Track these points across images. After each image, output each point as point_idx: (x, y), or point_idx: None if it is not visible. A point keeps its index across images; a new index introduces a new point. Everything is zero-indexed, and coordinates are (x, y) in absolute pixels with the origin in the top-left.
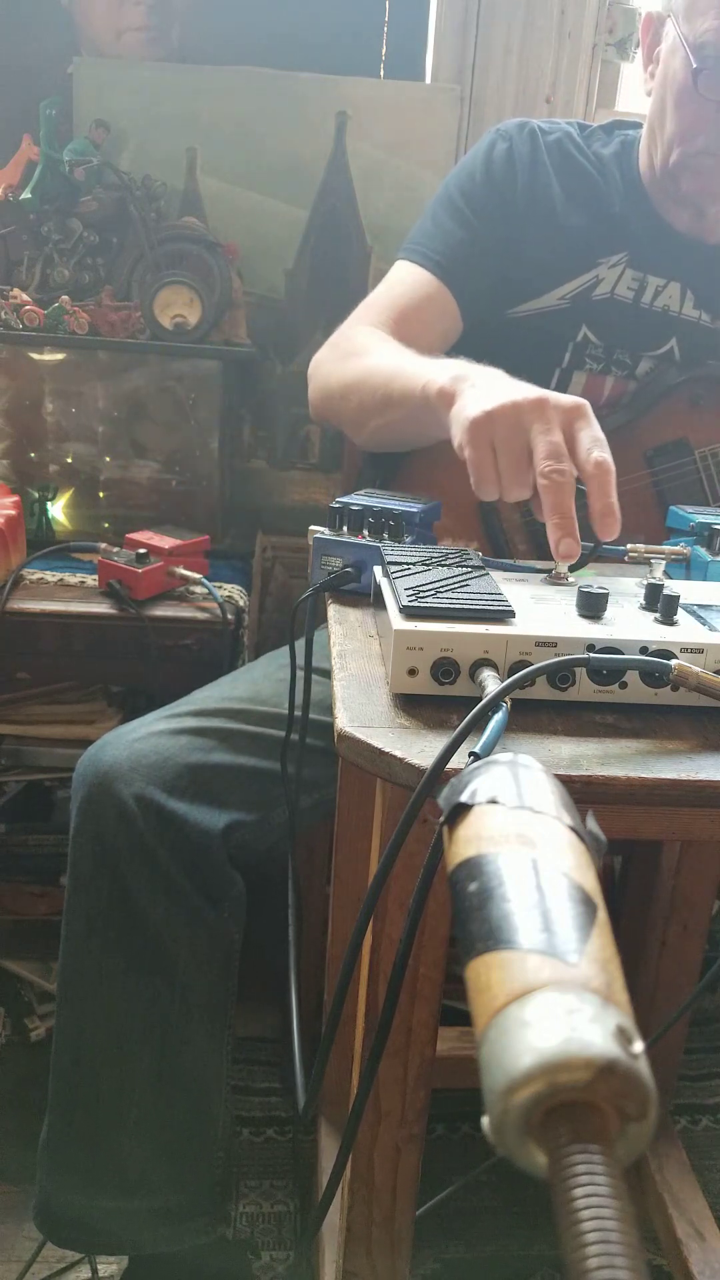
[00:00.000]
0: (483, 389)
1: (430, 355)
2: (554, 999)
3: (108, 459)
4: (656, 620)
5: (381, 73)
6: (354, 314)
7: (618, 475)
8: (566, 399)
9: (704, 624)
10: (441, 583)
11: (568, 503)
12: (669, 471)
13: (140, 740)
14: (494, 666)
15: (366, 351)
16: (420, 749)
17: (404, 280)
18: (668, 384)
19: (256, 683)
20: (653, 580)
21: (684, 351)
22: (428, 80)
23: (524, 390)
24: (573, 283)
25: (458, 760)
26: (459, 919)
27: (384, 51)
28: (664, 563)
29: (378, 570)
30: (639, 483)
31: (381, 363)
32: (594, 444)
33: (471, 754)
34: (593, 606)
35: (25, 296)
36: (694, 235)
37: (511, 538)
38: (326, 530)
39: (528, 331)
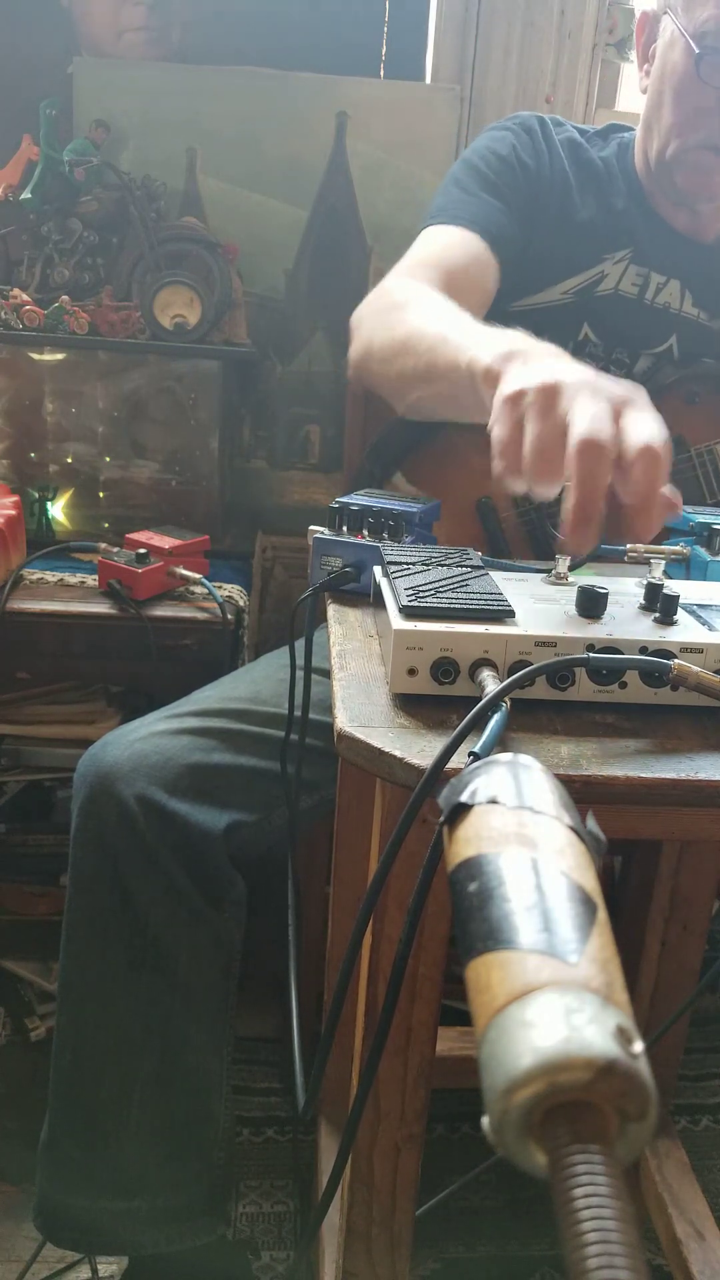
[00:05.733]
0: (532, 367)
1: (476, 315)
2: (554, 999)
3: (108, 459)
4: (656, 620)
5: (381, 73)
6: (397, 268)
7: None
8: (620, 383)
9: (704, 624)
10: (441, 582)
11: (599, 483)
12: None
13: (141, 740)
14: (493, 666)
15: (408, 307)
16: (420, 749)
17: (447, 240)
18: (664, 382)
19: (257, 682)
20: (652, 580)
21: (683, 349)
22: (428, 80)
23: (576, 369)
24: (578, 277)
25: (457, 760)
26: (459, 919)
27: (384, 51)
28: (664, 562)
29: (377, 570)
30: None
31: (427, 325)
32: (655, 424)
33: (471, 754)
34: (592, 606)
35: (25, 296)
36: (690, 233)
37: (510, 538)
38: (326, 530)
39: (529, 328)
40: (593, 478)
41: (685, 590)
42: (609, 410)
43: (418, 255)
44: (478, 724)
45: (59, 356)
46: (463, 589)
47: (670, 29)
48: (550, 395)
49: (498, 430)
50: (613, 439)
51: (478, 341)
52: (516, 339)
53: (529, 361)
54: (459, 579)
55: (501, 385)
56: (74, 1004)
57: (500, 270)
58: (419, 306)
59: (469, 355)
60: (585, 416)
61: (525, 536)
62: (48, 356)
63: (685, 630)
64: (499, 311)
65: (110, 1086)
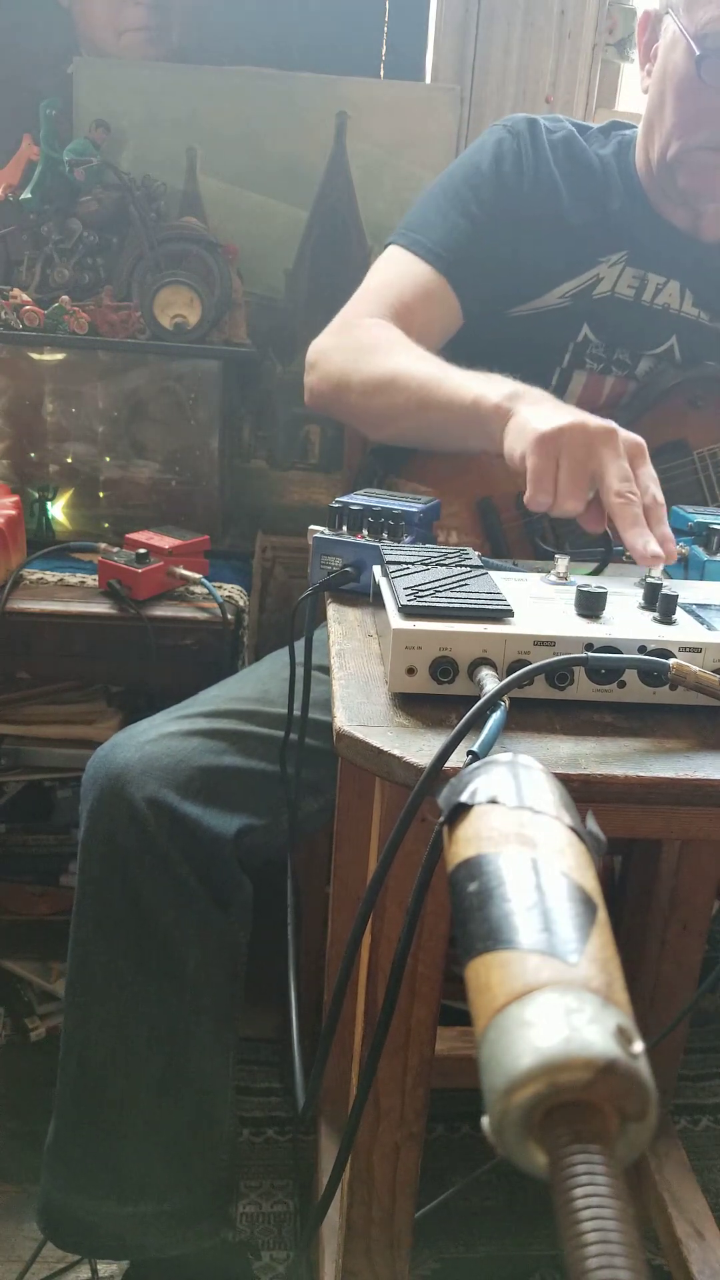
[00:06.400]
0: (542, 408)
1: (430, 351)
2: (554, 999)
3: (108, 459)
4: (655, 619)
5: (381, 73)
6: (353, 302)
7: None
8: (630, 435)
9: (702, 623)
10: (440, 582)
11: (641, 517)
12: (667, 472)
13: (152, 743)
14: (492, 665)
15: (388, 349)
16: (419, 748)
17: (405, 271)
18: (666, 384)
19: (264, 682)
20: (651, 579)
21: (684, 350)
22: (428, 80)
23: (590, 415)
24: (573, 281)
25: (456, 759)
26: (459, 919)
27: (384, 51)
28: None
29: (377, 570)
30: None
31: (416, 367)
32: (651, 481)
33: (470, 753)
34: (591, 606)
35: (25, 296)
36: (691, 233)
37: (510, 538)
38: (326, 530)
39: (528, 331)
40: (634, 509)
41: (684, 590)
42: (627, 468)
43: (379, 287)
44: (476, 723)
45: (59, 356)
46: (462, 589)
47: (672, 29)
48: (580, 439)
49: (534, 461)
50: (639, 492)
51: (476, 382)
52: (508, 381)
53: (534, 402)
54: (458, 579)
55: (525, 421)
56: (81, 1006)
57: (462, 297)
58: (399, 349)
59: (473, 394)
60: (614, 474)
61: (525, 537)
62: (48, 356)
63: (684, 629)
64: (498, 318)
65: (116, 1089)
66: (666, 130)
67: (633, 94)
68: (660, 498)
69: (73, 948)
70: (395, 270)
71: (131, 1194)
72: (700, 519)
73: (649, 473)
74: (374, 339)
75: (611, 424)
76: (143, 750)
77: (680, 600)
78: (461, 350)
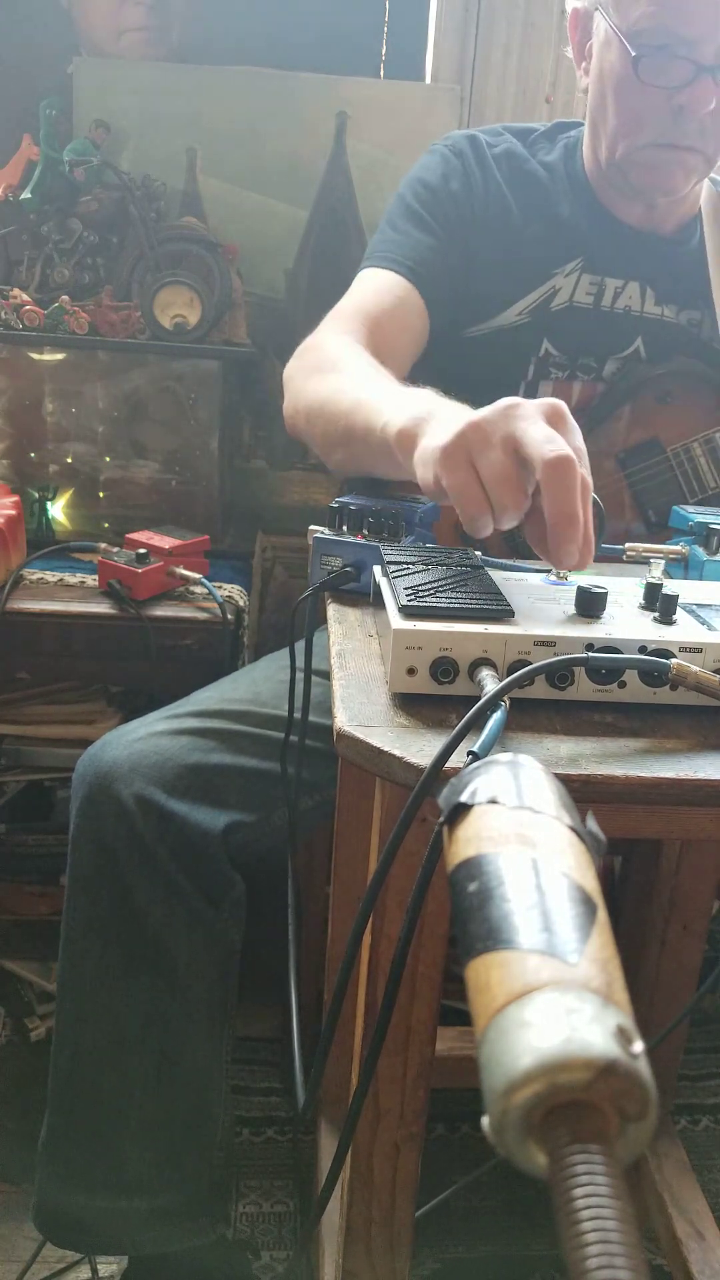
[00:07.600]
0: (447, 424)
1: (405, 362)
2: (554, 999)
3: (108, 459)
4: (655, 620)
5: (381, 73)
6: (324, 322)
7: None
8: (541, 400)
9: (703, 623)
10: (440, 582)
11: (573, 496)
12: (643, 472)
13: (140, 740)
14: (493, 666)
15: (335, 367)
16: (419, 748)
17: (374, 285)
18: (635, 382)
19: (257, 683)
20: (651, 579)
21: (650, 350)
22: (428, 80)
23: (487, 407)
24: (529, 297)
25: (456, 759)
26: (459, 919)
27: (384, 51)
28: (663, 562)
29: (377, 570)
30: (614, 485)
31: (346, 387)
32: (580, 457)
33: (470, 753)
34: (591, 606)
35: (25, 296)
36: (646, 228)
37: (491, 554)
38: (326, 530)
39: (488, 350)
40: (568, 490)
41: (684, 590)
42: (549, 428)
43: (347, 304)
44: (477, 723)
45: (59, 356)
46: (462, 588)
47: (604, 28)
48: (484, 431)
49: (450, 479)
50: (574, 450)
51: (390, 405)
52: (426, 401)
53: (443, 420)
54: (458, 578)
55: (425, 445)
56: (73, 1004)
57: (430, 308)
58: (342, 368)
59: (383, 420)
60: (536, 438)
61: (509, 553)
62: (48, 356)
63: (684, 629)
64: (456, 338)
65: (109, 1086)
66: (611, 131)
67: None
68: (589, 478)
69: (64, 945)
70: (364, 286)
71: (125, 1190)
72: (700, 519)
73: (577, 444)
74: (326, 355)
75: (512, 399)
76: (131, 748)
77: (680, 600)
78: (423, 373)
